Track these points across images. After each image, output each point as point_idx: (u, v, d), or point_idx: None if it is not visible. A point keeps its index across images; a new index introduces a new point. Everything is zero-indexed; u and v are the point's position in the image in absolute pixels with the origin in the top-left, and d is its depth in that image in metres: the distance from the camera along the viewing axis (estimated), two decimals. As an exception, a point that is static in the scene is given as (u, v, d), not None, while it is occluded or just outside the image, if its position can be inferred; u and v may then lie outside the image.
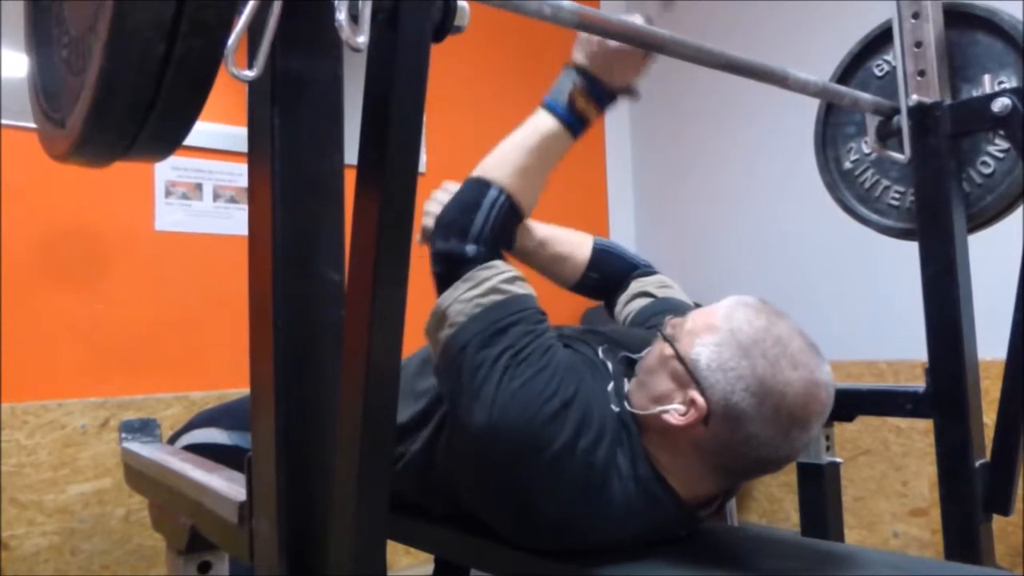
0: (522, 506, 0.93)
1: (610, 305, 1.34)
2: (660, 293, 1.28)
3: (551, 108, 1.04)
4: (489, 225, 0.99)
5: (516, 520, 0.95)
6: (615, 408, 0.95)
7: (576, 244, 1.31)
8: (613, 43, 1.00)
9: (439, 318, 0.96)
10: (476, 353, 0.92)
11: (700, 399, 0.87)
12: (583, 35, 1.04)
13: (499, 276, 0.97)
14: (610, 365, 1.02)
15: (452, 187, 1.10)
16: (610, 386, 0.98)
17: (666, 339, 0.94)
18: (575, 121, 1.04)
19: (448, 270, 0.98)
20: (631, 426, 0.94)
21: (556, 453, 0.88)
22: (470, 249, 0.98)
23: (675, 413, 0.89)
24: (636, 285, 1.31)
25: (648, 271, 1.33)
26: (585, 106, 1.03)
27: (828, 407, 0.90)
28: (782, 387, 0.86)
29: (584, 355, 1.01)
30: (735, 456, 0.90)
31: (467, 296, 0.95)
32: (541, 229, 1.30)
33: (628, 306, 1.29)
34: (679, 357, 0.91)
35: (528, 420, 0.89)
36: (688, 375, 0.89)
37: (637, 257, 1.35)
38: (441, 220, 1.01)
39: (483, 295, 0.95)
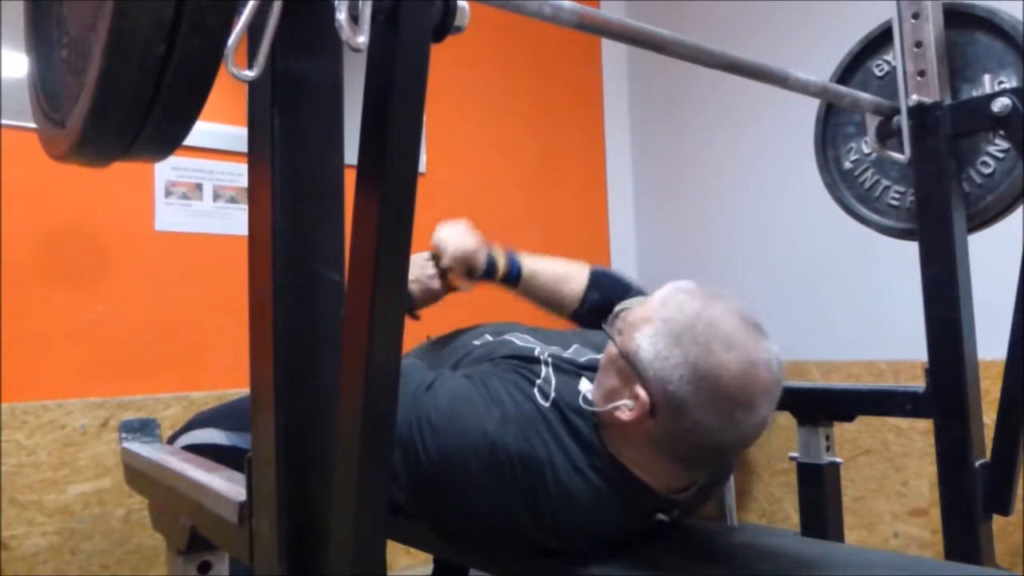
0: (486, 522, 0.94)
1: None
2: None
3: None
4: None
5: (492, 538, 0.97)
6: (543, 402, 0.96)
7: (572, 267, 1.38)
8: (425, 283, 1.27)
9: None
10: None
11: (643, 393, 0.88)
12: (417, 263, 1.28)
13: None
14: (545, 368, 1.03)
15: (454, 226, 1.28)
16: (537, 381, 0.99)
17: (611, 337, 0.95)
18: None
19: None
20: (574, 418, 0.95)
21: (488, 454, 0.91)
22: None
23: (624, 409, 0.90)
24: (619, 307, 1.34)
25: (640, 294, 1.36)
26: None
27: (773, 384, 0.89)
28: (715, 370, 0.86)
29: (500, 361, 1.04)
30: (687, 445, 0.90)
31: None
32: (529, 262, 1.36)
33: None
34: (621, 353, 0.92)
35: (448, 436, 0.93)
36: (631, 370, 0.90)
37: (632, 280, 1.40)
38: None
39: None
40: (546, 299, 1.36)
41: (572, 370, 1.03)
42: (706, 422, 0.87)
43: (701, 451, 0.91)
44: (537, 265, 1.36)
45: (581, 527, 0.94)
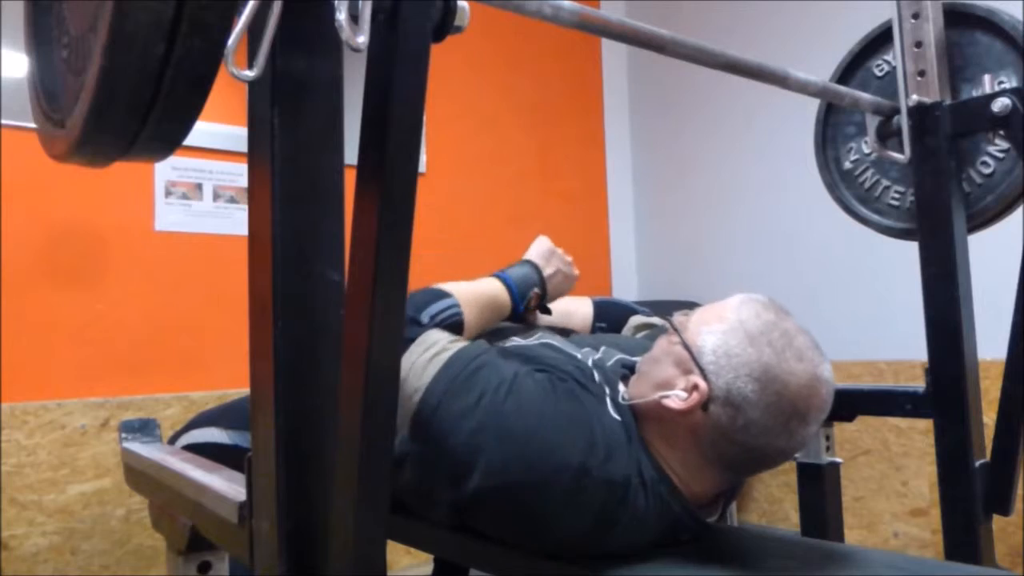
0: (545, 532, 0.92)
1: None
2: (661, 323, 1.30)
3: (514, 297, 1.23)
4: (439, 317, 1.09)
5: (541, 544, 0.94)
6: (617, 416, 0.95)
7: (575, 301, 1.40)
8: (572, 278, 1.29)
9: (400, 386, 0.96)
10: (451, 406, 0.92)
11: (702, 383, 0.88)
12: (558, 255, 1.29)
13: (446, 338, 1.01)
14: (598, 374, 1.01)
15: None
16: (607, 394, 0.98)
17: (674, 328, 0.95)
18: (523, 310, 1.26)
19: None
20: (632, 427, 0.94)
21: (574, 476, 0.88)
22: (425, 319, 1.05)
23: (676, 398, 0.90)
24: (635, 320, 1.36)
25: (648, 314, 1.38)
26: (533, 306, 1.27)
27: (828, 404, 0.91)
28: (785, 376, 0.87)
29: (565, 373, 0.99)
30: (732, 444, 0.89)
31: (423, 359, 0.97)
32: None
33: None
34: (684, 344, 0.92)
35: (535, 451, 0.89)
36: (692, 360, 0.90)
37: (636, 304, 1.43)
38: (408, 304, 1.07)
39: (436, 354, 0.97)
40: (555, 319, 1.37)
41: (615, 376, 1.03)
42: (760, 423, 0.87)
43: (743, 453, 0.91)
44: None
45: (627, 542, 0.93)
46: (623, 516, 0.90)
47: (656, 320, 1.35)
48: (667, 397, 0.90)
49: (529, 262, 1.28)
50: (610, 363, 1.06)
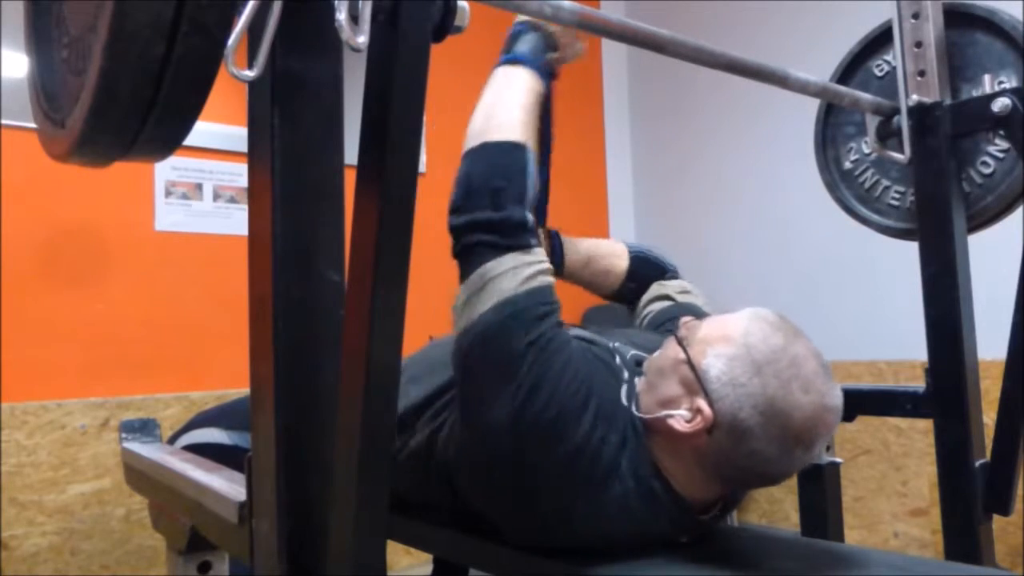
0: (523, 496, 0.92)
1: (632, 306, 1.34)
2: (680, 298, 1.28)
3: (542, 73, 1.09)
4: (535, 191, 0.99)
5: (513, 511, 0.95)
6: (626, 403, 0.95)
7: (615, 256, 1.31)
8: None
9: (481, 285, 0.92)
10: (512, 334, 0.90)
11: (707, 409, 0.87)
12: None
13: (546, 261, 0.96)
14: (621, 363, 1.02)
15: None
16: (624, 385, 0.98)
17: (679, 342, 0.94)
18: (549, 81, 1.11)
19: (501, 238, 0.94)
20: (638, 426, 0.94)
21: (575, 446, 0.89)
22: (530, 217, 0.96)
23: (680, 419, 0.89)
24: (657, 288, 1.31)
25: (674, 275, 1.33)
26: (556, 72, 1.13)
27: (834, 428, 0.91)
28: (791, 409, 0.86)
29: (599, 353, 1.01)
30: (735, 467, 0.90)
31: (523, 274, 0.92)
32: (583, 245, 1.29)
33: (647, 308, 1.30)
34: (690, 364, 0.90)
35: (555, 413, 0.89)
36: (697, 383, 0.89)
37: (667, 261, 1.35)
38: (487, 186, 0.96)
39: (532, 276, 0.93)
40: (584, 285, 1.32)
41: (634, 370, 1.02)
42: (765, 453, 0.87)
43: (747, 475, 0.92)
44: (577, 242, 1.31)
45: (610, 533, 0.93)
46: (603, 499, 0.90)
47: (674, 291, 1.29)
48: (672, 417, 0.90)
49: (528, 24, 1.12)
50: (628, 356, 1.06)
